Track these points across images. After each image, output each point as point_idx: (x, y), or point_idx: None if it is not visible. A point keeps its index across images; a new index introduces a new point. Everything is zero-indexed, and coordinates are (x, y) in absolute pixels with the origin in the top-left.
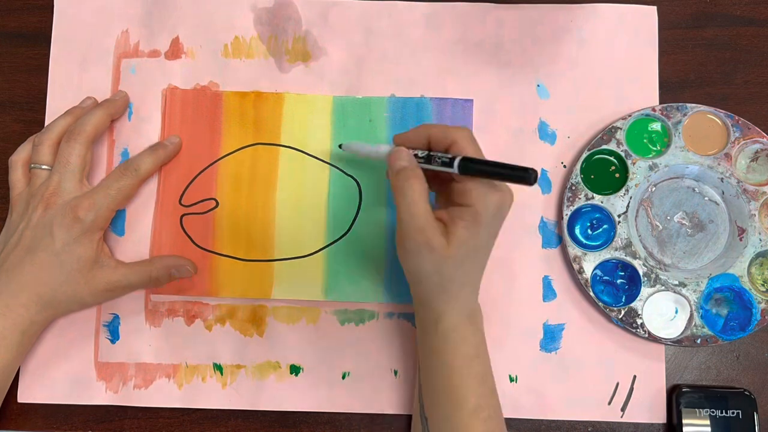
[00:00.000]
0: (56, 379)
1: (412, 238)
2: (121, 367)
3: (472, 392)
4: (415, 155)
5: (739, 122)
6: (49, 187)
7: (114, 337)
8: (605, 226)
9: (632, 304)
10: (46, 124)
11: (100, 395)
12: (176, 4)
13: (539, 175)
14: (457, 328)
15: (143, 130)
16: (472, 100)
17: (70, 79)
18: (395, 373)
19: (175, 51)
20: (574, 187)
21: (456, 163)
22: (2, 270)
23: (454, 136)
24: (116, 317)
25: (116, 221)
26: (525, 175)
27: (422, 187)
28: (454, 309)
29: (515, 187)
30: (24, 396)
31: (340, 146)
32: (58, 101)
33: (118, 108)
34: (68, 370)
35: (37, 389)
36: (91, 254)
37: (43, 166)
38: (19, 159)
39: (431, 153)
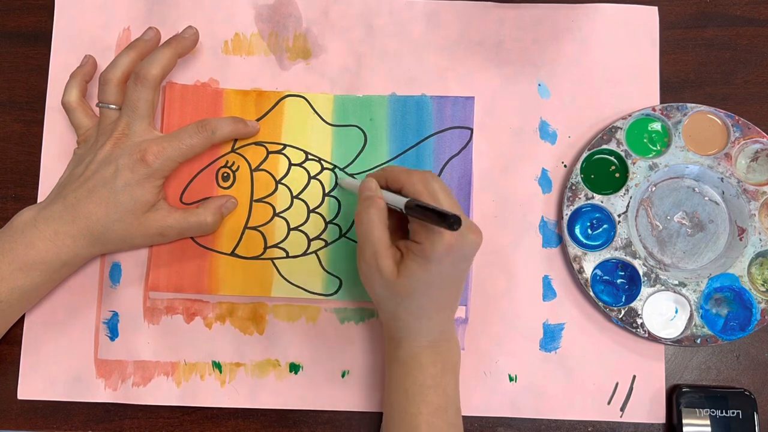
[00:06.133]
0: (57, 375)
1: (366, 260)
2: (120, 365)
3: (424, 422)
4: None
5: (739, 122)
6: (118, 128)
7: (113, 334)
8: (605, 226)
9: (632, 304)
10: (46, 123)
11: (99, 393)
12: (177, 1)
13: (462, 222)
14: (416, 357)
15: None
16: (473, 98)
17: None
18: None
19: None
20: (574, 187)
21: (403, 204)
22: (59, 197)
23: (403, 181)
24: (115, 314)
25: None
26: (445, 221)
27: (380, 215)
28: (413, 338)
29: (516, 186)
30: (24, 393)
31: (335, 183)
32: (58, 99)
33: (186, 46)
34: (69, 367)
35: (38, 386)
36: (150, 198)
37: (111, 106)
38: (72, 101)
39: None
